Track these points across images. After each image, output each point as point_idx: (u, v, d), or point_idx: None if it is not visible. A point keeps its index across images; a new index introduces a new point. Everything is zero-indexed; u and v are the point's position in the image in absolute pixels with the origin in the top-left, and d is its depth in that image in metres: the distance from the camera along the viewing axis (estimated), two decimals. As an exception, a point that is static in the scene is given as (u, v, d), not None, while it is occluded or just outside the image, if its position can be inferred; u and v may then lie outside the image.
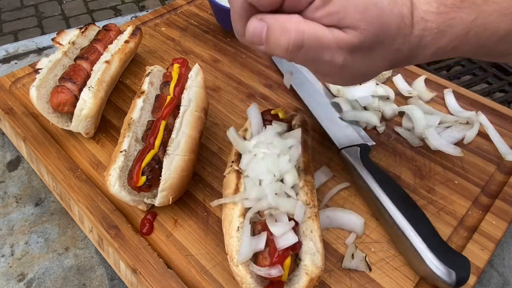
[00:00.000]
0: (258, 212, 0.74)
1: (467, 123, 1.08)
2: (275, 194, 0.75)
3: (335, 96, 1.16)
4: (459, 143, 1.05)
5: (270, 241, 0.69)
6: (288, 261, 0.68)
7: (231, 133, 0.83)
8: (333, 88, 1.18)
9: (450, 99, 1.15)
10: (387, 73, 1.21)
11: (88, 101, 1.00)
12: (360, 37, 0.57)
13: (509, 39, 0.64)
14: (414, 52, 0.63)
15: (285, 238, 0.68)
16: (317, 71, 0.65)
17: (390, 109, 1.12)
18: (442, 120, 1.08)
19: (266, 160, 0.78)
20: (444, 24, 0.60)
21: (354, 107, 1.11)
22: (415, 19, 0.60)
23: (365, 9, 0.56)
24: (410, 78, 1.21)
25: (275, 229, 0.69)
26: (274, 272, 0.67)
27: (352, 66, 0.61)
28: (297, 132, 0.85)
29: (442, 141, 1.03)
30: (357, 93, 1.12)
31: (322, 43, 0.58)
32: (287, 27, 0.57)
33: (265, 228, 0.71)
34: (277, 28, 0.58)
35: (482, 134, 1.07)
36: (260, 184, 0.77)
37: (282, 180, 0.79)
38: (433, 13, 0.60)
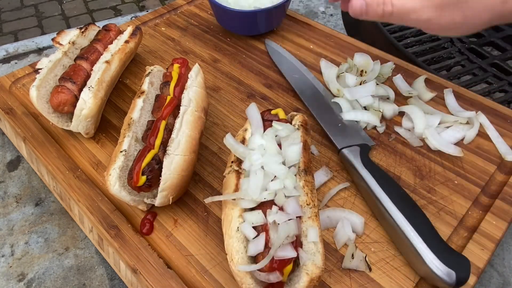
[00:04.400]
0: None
1: (467, 123, 1.08)
2: (275, 195, 0.75)
3: (335, 96, 1.16)
4: (459, 143, 1.05)
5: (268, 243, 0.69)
6: (288, 267, 0.68)
7: (229, 140, 0.82)
8: (333, 88, 1.18)
9: (450, 98, 1.15)
10: (387, 73, 1.21)
11: (88, 101, 1.00)
12: None
13: None
14: None
15: (283, 250, 0.68)
16: (411, 25, 0.87)
17: (390, 109, 1.12)
18: (442, 120, 1.08)
19: (265, 164, 0.78)
20: None
21: (354, 107, 1.11)
22: None
23: None
24: (410, 78, 1.21)
25: (274, 238, 0.69)
26: (273, 277, 0.67)
27: (441, 19, 0.81)
28: (297, 133, 0.85)
29: (442, 141, 1.02)
30: (357, 93, 1.12)
31: (408, 8, 0.82)
32: (379, 2, 0.83)
33: (264, 229, 0.71)
34: (374, 4, 0.84)
35: (482, 134, 1.07)
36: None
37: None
38: None
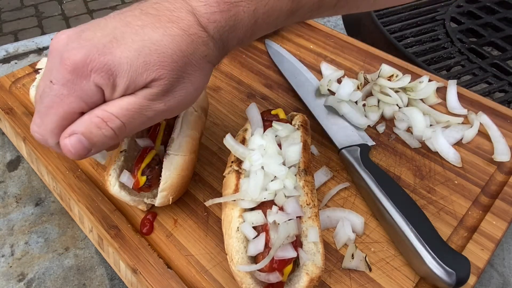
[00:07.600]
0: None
1: (463, 122, 1.08)
2: (275, 195, 0.75)
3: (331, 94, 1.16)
4: (458, 142, 1.05)
5: (268, 243, 0.69)
6: (288, 267, 0.68)
7: (228, 141, 0.82)
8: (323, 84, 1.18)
9: (451, 93, 1.14)
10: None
11: (88, 101, 1.00)
12: (164, 82, 0.61)
13: (297, 14, 0.68)
14: (224, 49, 0.67)
15: (283, 250, 0.68)
16: (153, 121, 0.67)
17: (390, 109, 1.12)
18: (441, 120, 1.08)
19: (265, 165, 0.78)
20: (231, 20, 0.63)
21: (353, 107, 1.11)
22: (204, 25, 0.62)
23: (148, 60, 0.59)
24: (412, 79, 1.21)
25: (274, 238, 0.69)
26: (273, 277, 0.66)
27: (175, 101, 0.65)
28: (297, 133, 0.85)
29: (442, 146, 1.02)
30: (341, 90, 1.12)
31: (136, 109, 0.61)
32: (98, 122, 0.60)
33: (265, 229, 0.71)
34: (91, 129, 0.60)
35: (482, 134, 1.07)
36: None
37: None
38: (216, 12, 0.62)
